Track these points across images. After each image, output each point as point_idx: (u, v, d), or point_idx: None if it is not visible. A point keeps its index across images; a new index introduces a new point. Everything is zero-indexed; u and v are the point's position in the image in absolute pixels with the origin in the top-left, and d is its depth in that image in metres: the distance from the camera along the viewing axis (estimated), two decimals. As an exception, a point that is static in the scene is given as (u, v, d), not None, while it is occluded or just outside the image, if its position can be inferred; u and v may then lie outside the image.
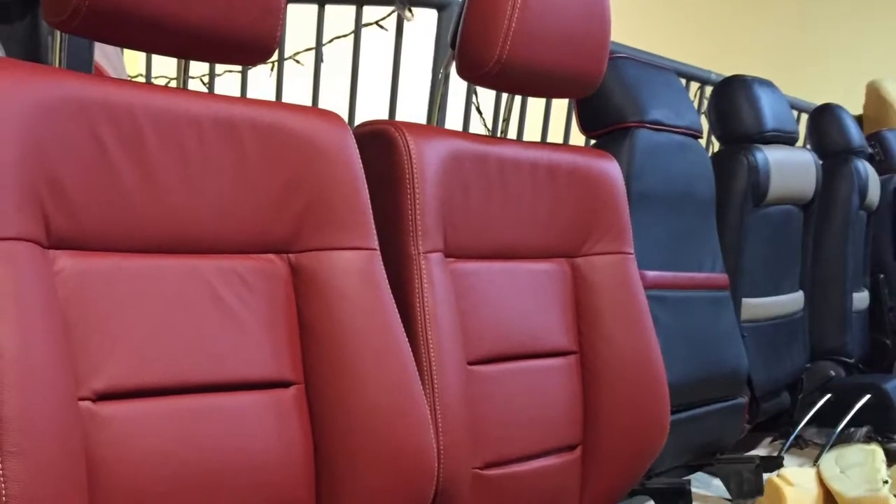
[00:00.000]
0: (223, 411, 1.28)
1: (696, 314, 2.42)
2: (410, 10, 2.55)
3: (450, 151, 1.63)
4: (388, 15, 3.19)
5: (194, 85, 1.99)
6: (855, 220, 3.36)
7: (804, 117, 3.83)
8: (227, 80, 3.28)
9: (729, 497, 2.52)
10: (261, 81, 2.94)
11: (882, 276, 3.82)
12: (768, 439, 3.16)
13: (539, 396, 1.75)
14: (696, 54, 3.70)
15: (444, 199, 1.60)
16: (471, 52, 1.65)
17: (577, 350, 1.84)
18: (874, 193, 3.60)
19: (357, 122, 1.78)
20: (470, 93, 2.77)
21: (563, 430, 1.80)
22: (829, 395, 3.06)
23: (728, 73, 2.96)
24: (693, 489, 2.22)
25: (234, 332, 1.31)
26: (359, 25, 2.58)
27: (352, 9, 2.69)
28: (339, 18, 2.85)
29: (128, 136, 1.23)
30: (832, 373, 3.26)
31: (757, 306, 2.81)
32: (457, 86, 2.22)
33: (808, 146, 3.54)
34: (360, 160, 1.44)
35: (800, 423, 3.00)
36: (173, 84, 1.52)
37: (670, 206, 2.36)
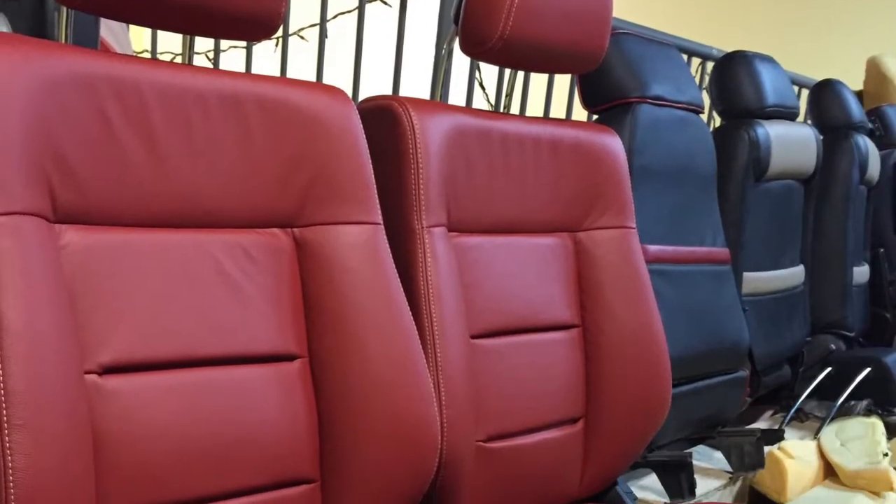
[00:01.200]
0: (228, 385, 1.29)
1: (697, 288, 2.43)
2: (413, -14, 2.55)
3: (453, 126, 1.63)
4: (392, -9, 3.19)
5: (199, 61, 1.99)
6: (855, 195, 3.36)
7: (805, 93, 3.82)
8: (232, 56, 3.28)
9: (730, 470, 2.53)
10: (265, 57, 2.94)
11: (882, 250, 3.82)
12: (769, 412, 3.17)
13: (541, 370, 1.76)
14: (697, 30, 3.70)
15: (447, 174, 1.61)
16: (474, 28, 1.65)
17: (580, 324, 1.85)
18: (874, 168, 3.60)
19: (361, 97, 1.78)
20: (473, 68, 2.77)
21: (566, 404, 1.81)
22: (829, 369, 3.08)
23: (729, 49, 2.96)
24: (694, 462, 2.23)
25: (239, 306, 1.31)
26: (363, 1, 2.58)
27: (356, -15, 2.69)
28: (343, -6, 2.86)
29: (133, 112, 1.23)
30: (832, 346, 3.26)
31: (758, 280, 2.82)
32: (460, 62, 2.23)
33: (809, 121, 3.54)
34: (364, 135, 1.44)
35: (800, 396, 3.01)
36: (178, 60, 1.52)
37: (672, 180, 2.37)
